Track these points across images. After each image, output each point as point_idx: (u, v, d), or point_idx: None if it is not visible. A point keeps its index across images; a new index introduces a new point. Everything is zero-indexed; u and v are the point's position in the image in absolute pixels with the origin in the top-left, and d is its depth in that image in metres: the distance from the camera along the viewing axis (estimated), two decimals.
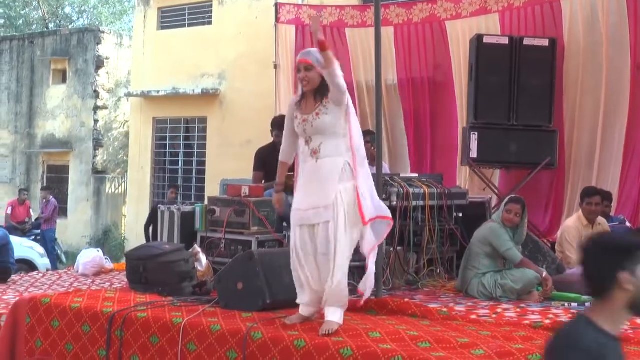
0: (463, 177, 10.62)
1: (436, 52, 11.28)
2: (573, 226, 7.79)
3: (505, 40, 9.61)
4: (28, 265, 12.31)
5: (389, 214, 5.07)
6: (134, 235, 17.91)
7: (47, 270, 11.51)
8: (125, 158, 21.62)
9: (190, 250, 6.92)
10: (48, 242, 16.94)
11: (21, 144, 23.73)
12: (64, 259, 18.36)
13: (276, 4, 12.51)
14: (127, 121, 21.77)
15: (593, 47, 9.82)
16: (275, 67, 12.51)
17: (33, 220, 18.27)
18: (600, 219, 7.96)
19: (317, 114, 4.99)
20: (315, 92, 5.04)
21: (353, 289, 6.34)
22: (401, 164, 11.47)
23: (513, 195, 7.49)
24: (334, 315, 4.82)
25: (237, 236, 7.19)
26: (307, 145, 5.03)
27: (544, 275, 6.68)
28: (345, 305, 4.90)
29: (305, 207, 4.95)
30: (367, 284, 4.99)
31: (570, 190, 9.89)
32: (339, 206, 4.81)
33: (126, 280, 6.86)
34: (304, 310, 5.06)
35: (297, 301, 5.10)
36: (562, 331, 2.73)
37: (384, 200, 5.62)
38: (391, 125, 11.65)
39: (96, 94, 22.43)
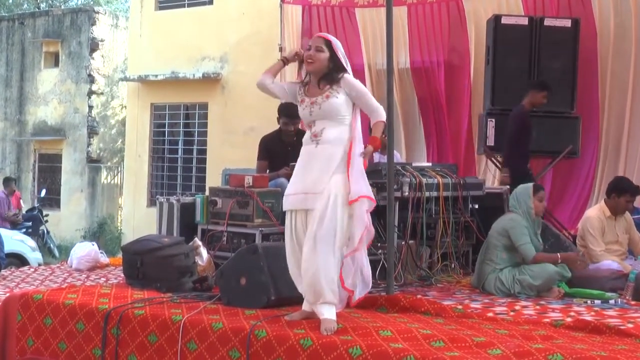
0: (481, 167, 10.63)
1: (452, 34, 11.27)
2: (595, 217, 7.72)
3: (524, 21, 9.59)
4: (19, 260, 12.34)
5: (371, 194, 5.09)
6: (130, 227, 17.96)
7: (39, 264, 11.55)
8: (121, 146, 21.66)
9: (191, 243, 6.93)
10: None
11: (11, 131, 23.78)
12: (56, 253, 18.42)
13: None
14: (124, 106, 21.78)
15: (623, 28, 9.79)
16: (281, 49, 12.48)
17: (24, 212, 18.33)
18: None
19: (328, 96, 5.07)
20: (320, 77, 5.13)
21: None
22: (416, 152, 11.47)
23: (534, 183, 7.41)
24: (323, 312, 4.81)
25: (239, 229, 7.20)
26: (309, 129, 5.12)
27: (559, 260, 6.66)
28: (328, 302, 4.84)
29: (296, 190, 5.03)
30: (356, 281, 5.00)
31: (598, 180, 9.88)
32: (329, 197, 4.86)
33: (122, 275, 6.88)
34: (306, 305, 5.07)
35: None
36: None
37: (395, 190, 5.62)
38: (404, 112, 11.65)
39: (91, 79, 22.46)
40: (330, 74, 5.11)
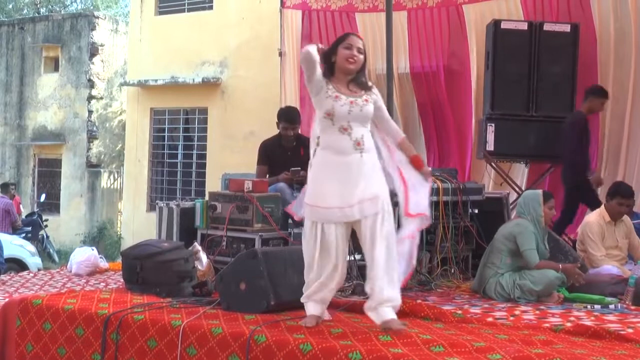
0: (480, 171, 10.62)
1: (452, 39, 11.27)
2: (595, 222, 7.73)
3: (524, 26, 9.59)
4: (18, 265, 12.36)
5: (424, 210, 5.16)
6: (130, 232, 17.96)
7: (39, 269, 11.53)
8: (121, 151, 21.66)
9: (190, 248, 6.92)
10: None
11: (11, 136, 23.79)
12: (56, 257, 18.43)
13: None
14: (123, 111, 21.77)
15: (623, 33, 9.80)
16: (280, 54, 12.51)
17: (24, 216, 18.34)
18: (624, 216, 7.94)
19: (367, 100, 5.07)
20: (350, 79, 5.10)
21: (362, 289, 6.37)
22: None
23: (544, 190, 7.38)
24: (388, 313, 4.84)
25: (239, 233, 7.20)
26: (348, 135, 4.96)
27: (560, 268, 6.66)
28: (395, 305, 4.89)
29: (343, 203, 4.90)
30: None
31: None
32: (384, 202, 4.89)
33: (122, 280, 6.87)
34: (317, 309, 5.06)
35: (302, 300, 5.13)
36: None
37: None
38: (404, 117, 11.65)
39: (90, 83, 22.48)
40: (359, 78, 5.12)
